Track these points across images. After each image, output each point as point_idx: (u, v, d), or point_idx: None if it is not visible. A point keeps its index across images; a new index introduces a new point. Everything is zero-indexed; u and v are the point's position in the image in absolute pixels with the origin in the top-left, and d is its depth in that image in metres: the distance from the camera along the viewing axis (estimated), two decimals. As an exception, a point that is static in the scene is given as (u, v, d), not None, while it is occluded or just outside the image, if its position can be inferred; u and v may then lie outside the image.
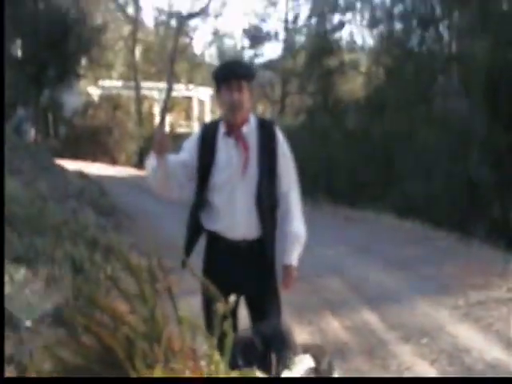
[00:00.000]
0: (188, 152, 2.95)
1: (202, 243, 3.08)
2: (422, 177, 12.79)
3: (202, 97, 32.66)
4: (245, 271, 2.93)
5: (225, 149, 2.91)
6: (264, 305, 2.97)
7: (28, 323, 4.19)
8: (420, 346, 4.69)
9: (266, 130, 2.96)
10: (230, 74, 2.87)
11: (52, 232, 5.67)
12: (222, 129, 2.94)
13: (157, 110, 29.25)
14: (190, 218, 3.04)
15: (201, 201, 2.96)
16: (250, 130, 2.93)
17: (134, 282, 2.11)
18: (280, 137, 2.98)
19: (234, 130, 2.90)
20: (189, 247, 3.01)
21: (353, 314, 5.52)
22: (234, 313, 2.93)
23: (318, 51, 18.51)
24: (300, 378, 2.18)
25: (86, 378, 1.93)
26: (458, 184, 11.85)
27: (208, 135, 2.96)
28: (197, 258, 3.03)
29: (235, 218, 2.90)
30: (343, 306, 5.79)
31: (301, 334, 4.80)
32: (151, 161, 2.84)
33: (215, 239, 2.97)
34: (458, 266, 7.02)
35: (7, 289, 4.11)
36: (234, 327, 2.71)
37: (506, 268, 6.65)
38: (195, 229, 3.01)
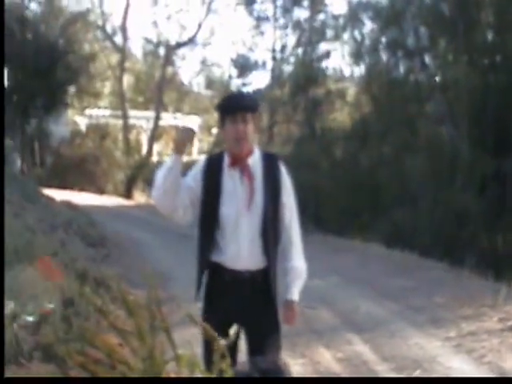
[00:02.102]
0: (193, 180, 2.93)
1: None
2: (408, 205, 12.86)
3: (190, 126, 32.71)
4: (247, 303, 2.90)
5: (230, 181, 2.90)
6: (264, 337, 2.93)
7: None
8: (413, 378, 4.67)
9: (270, 162, 2.97)
10: (236, 107, 2.87)
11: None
12: (226, 160, 2.93)
13: (144, 138, 29.25)
14: (198, 252, 3.01)
15: (207, 234, 2.94)
16: (254, 161, 2.93)
17: (125, 314, 2.10)
18: (284, 170, 2.99)
19: (238, 162, 2.90)
20: (200, 281, 2.99)
21: (344, 346, 5.48)
22: (234, 345, 2.91)
23: (304, 80, 18.65)
24: (300, 378, 2.16)
25: (86, 378, 1.90)
26: (444, 212, 11.91)
27: (212, 167, 2.95)
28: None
29: (239, 249, 2.88)
30: (335, 337, 5.76)
31: (293, 366, 4.76)
32: (166, 164, 2.81)
33: (218, 270, 2.93)
34: (449, 296, 7.02)
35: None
36: (234, 360, 2.67)
37: (496, 298, 6.65)
38: (204, 263, 2.97)
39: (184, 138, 2.80)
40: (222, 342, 2.01)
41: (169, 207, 2.88)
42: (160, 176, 2.82)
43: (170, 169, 2.78)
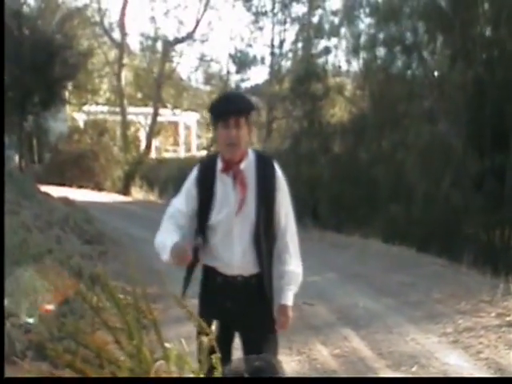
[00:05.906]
0: (187, 197, 2.91)
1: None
2: (403, 201, 12.83)
3: (189, 122, 32.70)
4: (241, 307, 2.87)
5: (222, 186, 2.84)
6: (259, 342, 2.87)
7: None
8: (410, 374, 4.64)
9: (264, 165, 2.89)
10: (228, 111, 2.76)
11: (34, 262, 5.57)
12: (219, 165, 2.85)
13: (143, 135, 29.21)
14: None
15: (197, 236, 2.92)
16: (248, 165, 2.85)
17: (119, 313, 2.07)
18: (279, 172, 2.91)
19: (231, 167, 2.82)
20: (187, 279, 2.97)
21: (342, 342, 5.46)
22: (228, 349, 2.88)
23: (304, 76, 18.59)
24: (298, 378, 2.14)
25: (87, 378, 1.87)
26: (438, 208, 11.89)
27: (205, 174, 2.89)
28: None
29: (232, 255, 2.85)
30: (332, 333, 5.74)
31: (290, 363, 4.74)
32: (165, 242, 2.84)
33: (211, 274, 2.92)
34: (446, 292, 6.99)
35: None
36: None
37: (494, 294, 6.63)
38: (193, 261, 2.91)
39: (179, 261, 2.74)
40: (212, 335, 1.98)
41: None
42: (158, 245, 2.92)
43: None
